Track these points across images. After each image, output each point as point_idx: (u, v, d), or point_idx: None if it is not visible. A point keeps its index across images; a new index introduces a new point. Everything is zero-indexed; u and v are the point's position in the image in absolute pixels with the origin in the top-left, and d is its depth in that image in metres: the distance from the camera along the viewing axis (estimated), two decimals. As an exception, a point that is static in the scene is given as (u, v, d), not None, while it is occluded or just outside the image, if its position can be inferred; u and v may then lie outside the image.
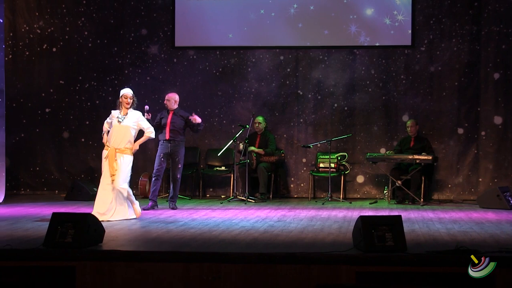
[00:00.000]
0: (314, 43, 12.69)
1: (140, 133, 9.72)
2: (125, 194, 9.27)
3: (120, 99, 9.52)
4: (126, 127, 9.39)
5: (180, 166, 10.66)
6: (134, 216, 9.36)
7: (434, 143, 12.29)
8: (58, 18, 12.95)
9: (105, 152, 9.38)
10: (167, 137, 10.66)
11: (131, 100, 9.50)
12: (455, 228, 8.65)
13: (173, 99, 10.84)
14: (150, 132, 9.70)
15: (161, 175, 10.77)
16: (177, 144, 10.69)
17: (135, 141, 9.56)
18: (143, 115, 9.74)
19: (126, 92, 9.54)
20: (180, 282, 6.57)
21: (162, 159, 10.67)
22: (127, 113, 9.46)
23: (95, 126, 12.88)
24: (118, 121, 9.39)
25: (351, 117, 12.67)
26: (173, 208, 10.55)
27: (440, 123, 12.48)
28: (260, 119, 12.38)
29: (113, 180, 9.19)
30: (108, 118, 9.59)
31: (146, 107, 10.13)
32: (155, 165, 10.72)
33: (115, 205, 9.18)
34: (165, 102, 10.88)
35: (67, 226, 6.85)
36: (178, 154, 10.68)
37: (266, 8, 12.67)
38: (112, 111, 9.56)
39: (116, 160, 9.26)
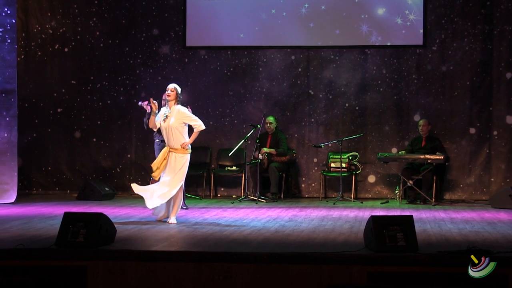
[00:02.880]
0: (325, 42, 12.66)
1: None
2: None
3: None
4: (170, 127, 8.97)
5: None
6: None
7: (446, 143, 12.24)
8: (70, 18, 12.98)
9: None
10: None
11: (172, 92, 8.98)
12: (467, 228, 8.62)
13: None
14: (198, 126, 9.06)
15: None
16: None
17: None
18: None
19: (169, 85, 9.05)
20: (191, 282, 6.58)
21: None
22: (171, 109, 9.00)
23: (107, 126, 12.94)
24: (164, 120, 8.99)
25: (362, 117, 12.64)
26: (184, 208, 10.54)
27: (452, 123, 12.43)
28: (271, 119, 12.37)
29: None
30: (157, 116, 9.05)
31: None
32: None
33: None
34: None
35: (79, 226, 6.87)
36: None
37: (277, 8, 12.65)
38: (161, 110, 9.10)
39: (166, 158, 8.98)
